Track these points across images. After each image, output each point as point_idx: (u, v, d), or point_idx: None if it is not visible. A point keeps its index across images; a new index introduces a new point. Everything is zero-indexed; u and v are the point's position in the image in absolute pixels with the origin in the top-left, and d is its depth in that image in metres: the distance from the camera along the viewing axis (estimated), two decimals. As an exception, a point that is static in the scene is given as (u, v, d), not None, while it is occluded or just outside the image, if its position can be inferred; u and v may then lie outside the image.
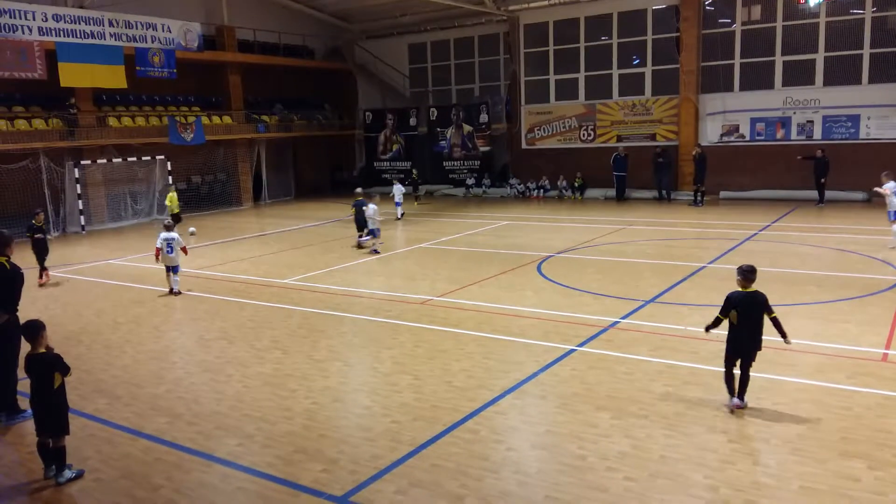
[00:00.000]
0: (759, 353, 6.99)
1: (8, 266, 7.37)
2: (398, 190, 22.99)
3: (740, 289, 6.97)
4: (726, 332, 7.09)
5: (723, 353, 8.52)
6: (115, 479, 6.12)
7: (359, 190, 20.17)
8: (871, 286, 11.66)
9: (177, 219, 21.25)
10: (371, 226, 16.80)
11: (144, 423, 7.31)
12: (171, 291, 13.18)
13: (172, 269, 13.24)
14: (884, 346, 8.62)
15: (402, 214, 22.86)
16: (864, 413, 6.72)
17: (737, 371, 7.03)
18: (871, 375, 7.68)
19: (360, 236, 17.63)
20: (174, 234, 13.19)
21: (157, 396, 8.05)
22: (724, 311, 6.96)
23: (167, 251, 13.09)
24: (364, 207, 17.22)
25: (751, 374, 6.99)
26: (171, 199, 22.01)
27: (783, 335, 6.85)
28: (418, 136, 32.52)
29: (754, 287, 6.96)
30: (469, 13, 29.93)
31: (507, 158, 31.15)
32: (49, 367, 6.13)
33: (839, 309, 10.39)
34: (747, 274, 6.95)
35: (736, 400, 6.93)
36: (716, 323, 7.10)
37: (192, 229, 16.22)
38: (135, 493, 5.86)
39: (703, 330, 7.34)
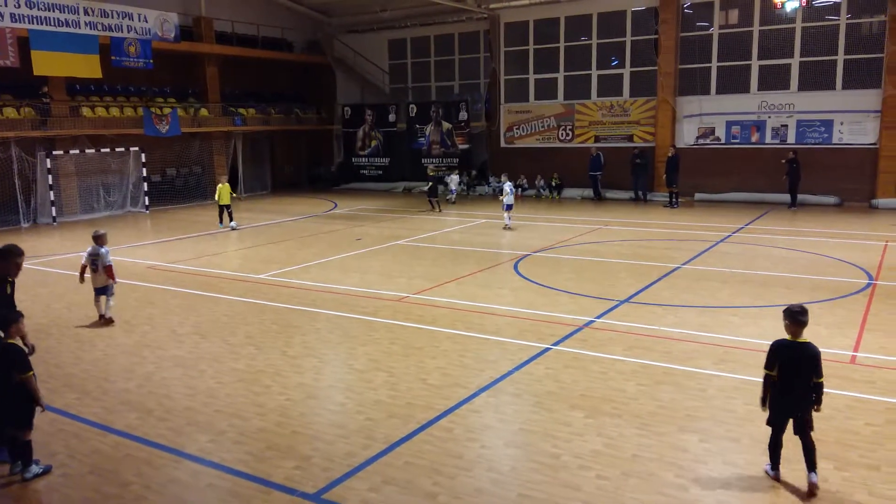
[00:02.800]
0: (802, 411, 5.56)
1: None
2: (454, 180, 27.12)
3: (788, 336, 5.57)
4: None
5: (696, 354, 8.68)
6: (84, 475, 6.03)
7: (431, 166, 27.10)
8: (841, 289, 11.85)
9: (223, 210, 20.68)
10: (506, 201, 19.29)
11: (114, 418, 7.21)
12: (101, 318, 10.81)
13: (102, 291, 10.79)
14: (853, 349, 8.77)
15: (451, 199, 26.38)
16: (833, 414, 6.82)
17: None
18: (840, 377, 7.80)
19: (433, 204, 24.08)
20: (102, 249, 10.66)
21: (128, 391, 7.95)
22: (770, 365, 5.55)
23: (92, 269, 10.67)
24: (447, 179, 26.91)
25: (810, 438, 5.54)
26: (222, 190, 20.78)
27: (817, 402, 5.54)
28: (397, 133, 32.42)
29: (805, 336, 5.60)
30: (450, 10, 29.92)
31: (485, 157, 31.19)
32: (8, 361, 5.95)
33: (809, 311, 10.49)
34: (797, 316, 5.52)
35: (771, 470, 5.69)
36: (767, 384, 5.63)
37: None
38: (103, 489, 5.78)
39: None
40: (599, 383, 7.80)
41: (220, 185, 21.09)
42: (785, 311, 5.63)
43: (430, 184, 24.36)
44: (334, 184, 33.93)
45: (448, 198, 26.58)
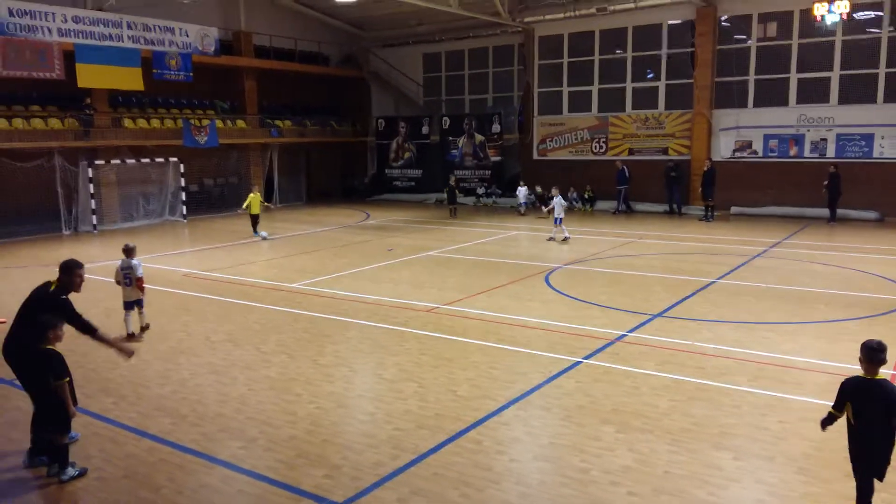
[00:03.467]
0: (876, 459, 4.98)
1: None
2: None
3: (862, 373, 5.02)
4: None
5: (730, 370, 8.54)
6: (118, 479, 6.14)
7: (453, 177, 28.02)
8: (879, 306, 11.57)
9: (255, 220, 21.01)
10: (557, 214, 19.36)
11: (149, 423, 7.33)
12: (130, 335, 10.53)
13: (136, 304, 10.72)
14: (892, 367, 8.55)
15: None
16: (871, 434, 6.65)
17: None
18: (879, 396, 7.60)
19: (453, 209, 26.13)
20: (134, 261, 10.61)
21: (163, 397, 8.08)
22: (840, 405, 5.07)
23: (125, 283, 10.56)
24: (517, 192, 26.42)
25: (870, 484, 5.07)
26: (253, 199, 21.11)
27: None
28: (430, 145, 32.59)
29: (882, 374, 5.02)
30: (484, 24, 30.03)
31: (518, 169, 31.17)
32: (43, 367, 6.07)
33: (847, 328, 10.32)
34: (872, 353, 4.92)
35: None
36: (829, 420, 5.23)
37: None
38: (137, 493, 5.88)
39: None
40: (631, 398, 7.71)
41: (251, 194, 21.42)
42: (861, 346, 5.02)
43: (449, 192, 26.32)
44: (367, 195, 34.18)
45: (519, 210, 26.61)
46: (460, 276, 14.73)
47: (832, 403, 5.17)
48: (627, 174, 26.26)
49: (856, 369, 7.76)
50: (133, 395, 8.14)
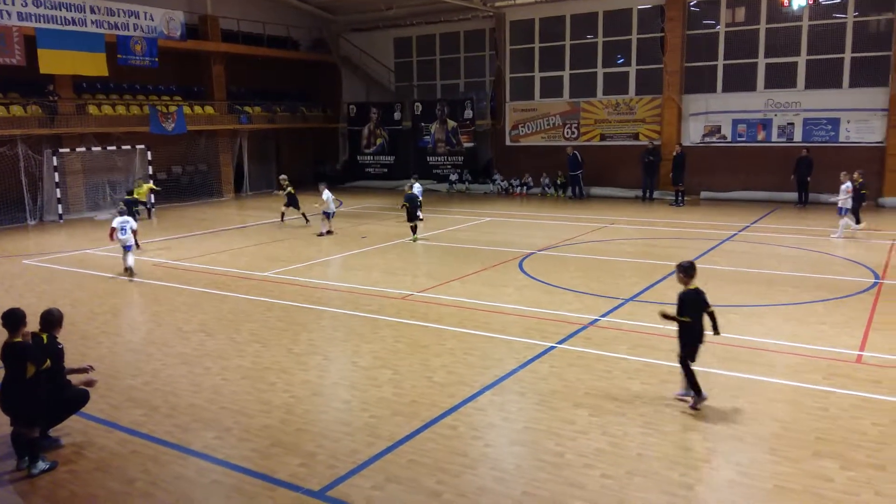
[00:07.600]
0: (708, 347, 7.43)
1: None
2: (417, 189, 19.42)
3: (684, 287, 7.26)
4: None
5: (700, 352, 8.63)
6: (90, 471, 6.06)
7: (283, 178, 21.74)
8: (847, 288, 11.80)
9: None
10: (328, 209, 18.70)
11: (120, 414, 7.24)
12: (127, 269, 13.86)
13: (127, 248, 13.99)
14: (858, 348, 8.73)
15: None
16: (839, 414, 6.81)
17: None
18: (846, 377, 7.78)
19: (282, 214, 21.25)
20: (128, 218, 14.24)
21: (134, 388, 7.98)
22: (684, 313, 7.22)
23: (121, 233, 13.92)
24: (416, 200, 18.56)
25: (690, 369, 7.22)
26: (140, 191, 21.86)
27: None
28: (402, 131, 32.42)
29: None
30: (455, 8, 29.87)
31: (490, 155, 31.16)
32: (21, 357, 6.05)
33: (815, 310, 10.51)
34: (689, 270, 7.25)
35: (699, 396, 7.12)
36: (677, 321, 7.33)
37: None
38: (110, 486, 5.80)
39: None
40: (604, 382, 7.79)
41: (145, 184, 22.66)
42: (680, 268, 7.25)
43: (289, 196, 20.95)
44: (340, 182, 33.90)
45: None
46: (434, 264, 14.72)
47: (677, 314, 7.15)
48: (580, 159, 26.39)
49: (826, 350, 7.92)
50: (103, 387, 7.97)
